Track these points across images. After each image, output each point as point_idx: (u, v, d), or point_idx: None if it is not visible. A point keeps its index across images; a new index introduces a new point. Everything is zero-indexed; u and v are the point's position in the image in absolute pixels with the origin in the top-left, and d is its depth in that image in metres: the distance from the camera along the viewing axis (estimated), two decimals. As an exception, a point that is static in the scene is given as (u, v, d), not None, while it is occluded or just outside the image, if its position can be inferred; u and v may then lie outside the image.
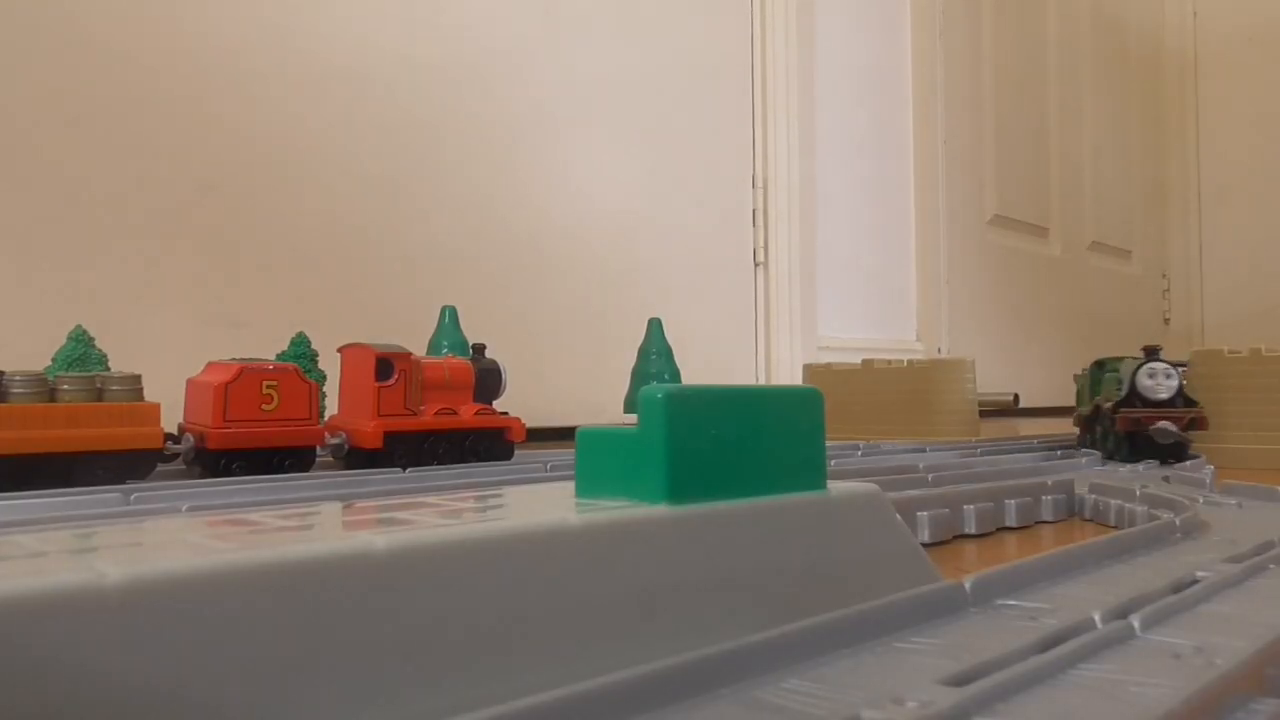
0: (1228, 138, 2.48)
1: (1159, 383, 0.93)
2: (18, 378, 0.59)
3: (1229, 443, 1.09)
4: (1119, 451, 0.94)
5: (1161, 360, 0.96)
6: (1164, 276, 2.60)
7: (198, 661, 0.18)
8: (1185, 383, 0.96)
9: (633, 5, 1.44)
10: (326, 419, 0.77)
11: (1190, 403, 0.94)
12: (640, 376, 1.06)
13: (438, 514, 0.27)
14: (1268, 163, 2.39)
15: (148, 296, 0.98)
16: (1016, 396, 1.48)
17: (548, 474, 0.72)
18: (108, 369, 0.71)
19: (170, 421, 0.66)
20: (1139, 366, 0.95)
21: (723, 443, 0.30)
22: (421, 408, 0.75)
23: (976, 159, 2.01)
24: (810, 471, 0.33)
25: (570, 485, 0.32)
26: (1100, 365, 1.09)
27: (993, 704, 0.21)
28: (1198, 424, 0.93)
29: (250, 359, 0.69)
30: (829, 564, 0.31)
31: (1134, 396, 0.94)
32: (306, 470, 0.69)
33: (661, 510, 0.28)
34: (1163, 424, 0.90)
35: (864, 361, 1.35)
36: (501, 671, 0.22)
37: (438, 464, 0.75)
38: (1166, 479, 0.80)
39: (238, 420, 0.65)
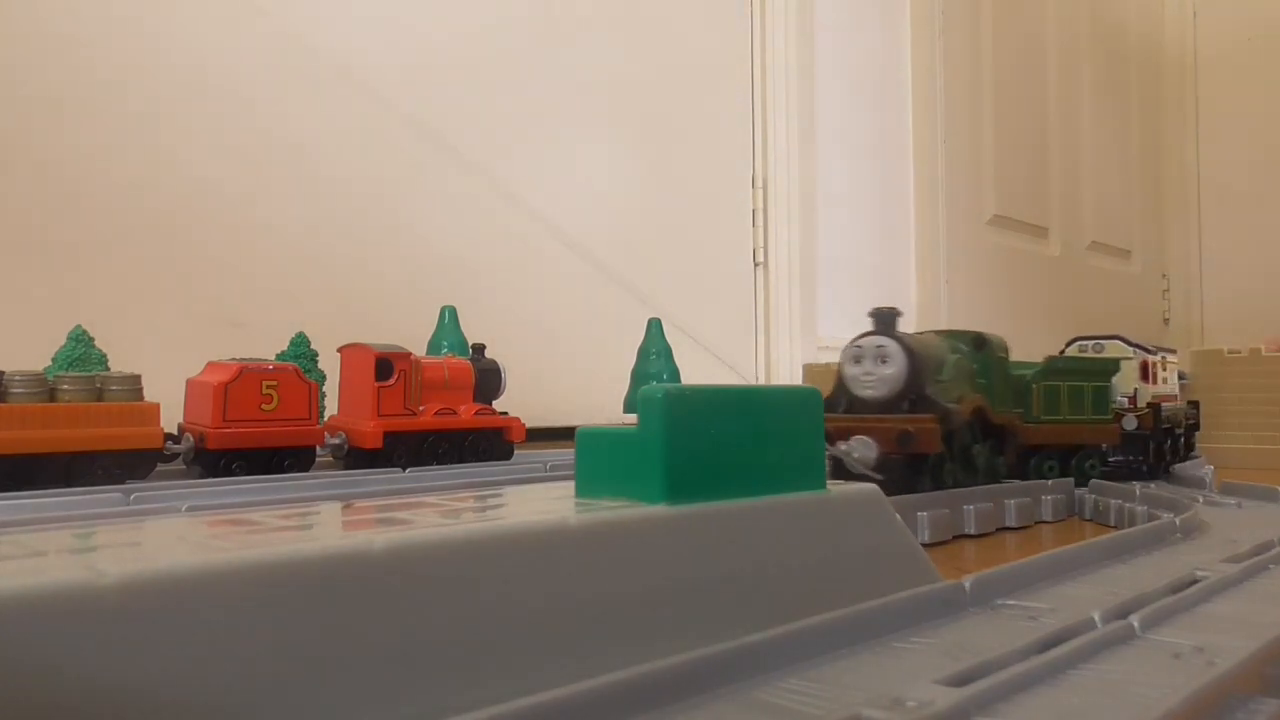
0: (1228, 138, 2.48)
1: (866, 371, 0.59)
2: (18, 378, 0.59)
3: (1229, 443, 1.09)
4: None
5: (890, 337, 0.58)
6: (1164, 276, 2.60)
7: (196, 660, 0.18)
8: (943, 378, 0.59)
9: (632, 5, 1.44)
10: (326, 419, 0.77)
11: (923, 404, 0.56)
12: (640, 376, 1.06)
13: (437, 514, 0.27)
14: (1268, 163, 2.39)
15: (148, 296, 0.98)
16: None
17: (547, 474, 0.72)
18: (108, 369, 0.71)
19: (170, 421, 0.66)
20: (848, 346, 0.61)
21: (722, 443, 0.30)
22: (421, 408, 0.75)
23: (976, 159, 2.01)
24: (810, 471, 0.33)
25: (570, 485, 0.32)
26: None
27: (993, 704, 0.21)
28: (917, 442, 0.54)
29: (250, 359, 0.69)
30: (829, 564, 0.31)
31: (841, 393, 0.60)
32: (306, 470, 0.69)
33: (660, 510, 0.28)
34: (855, 441, 0.55)
35: (864, 361, 1.34)
36: (501, 671, 0.22)
37: (437, 464, 0.75)
38: (1167, 479, 0.80)
39: (238, 420, 0.65)
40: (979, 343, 0.67)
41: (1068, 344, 0.88)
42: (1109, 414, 0.74)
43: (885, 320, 0.60)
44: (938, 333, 0.67)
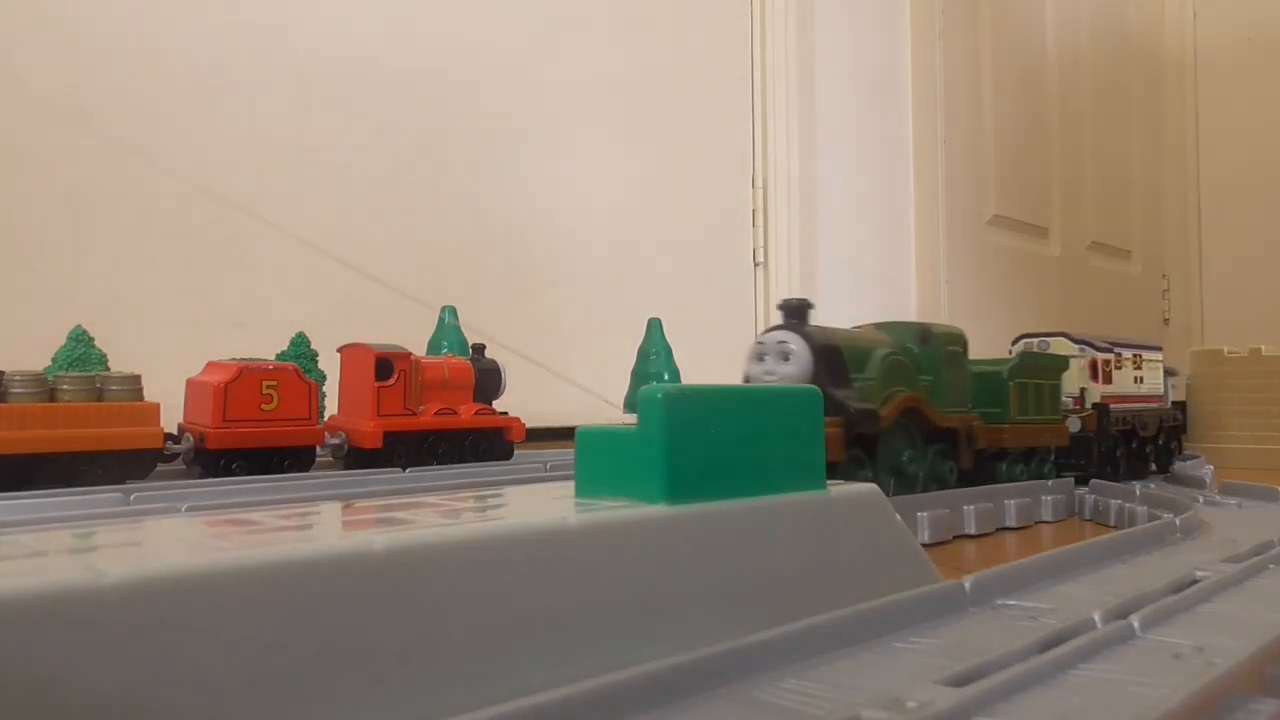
0: (1227, 138, 2.48)
1: (768, 370, 0.53)
2: (18, 378, 0.59)
3: (1229, 443, 1.09)
4: None
5: (796, 332, 0.52)
6: (1164, 276, 2.60)
7: (196, 661, 0.18)
8: (866, 375, 0.53)
9: (632, 6, 1.44)
10: (326, 419, 0.77)
11: (828, 406, 0.44)
12: (640, 376, 1.06)
13: (437, 514, 0.27)
14: (1268, 163, 2.39)
15: (148, 296, 0.98)
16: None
17: (547, 474, 0.72)
18: (108, 369, 0.71)
19: (170, 421, 0.66)
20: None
21: (722, 442, 0.30)
22: (421, 408, 0.75)
23: (976, 159, 2.01)
24: (810, 471, 0.33)
25: (570, 485, 0.32)
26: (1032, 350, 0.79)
27: (993, 704, 0.21)
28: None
29: (250, 359, 0.69)
30: (829, 564, 0.31)
31: None
32: (306, 470, 0.69)
33: (660, 510, 0.27)
34: None
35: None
36: (501, 671, 0.22)
37: (437, 464, 0.75)
38: (1166, 479, 0.80)
39: (238, 420, 0.65)
40: (924, 336, 0.60)
41: (1014, 341, 0.84)
42: (1059, 415, 0.71)
43: (794, 313, 0.53)
44: (879, 325, 0.61)
